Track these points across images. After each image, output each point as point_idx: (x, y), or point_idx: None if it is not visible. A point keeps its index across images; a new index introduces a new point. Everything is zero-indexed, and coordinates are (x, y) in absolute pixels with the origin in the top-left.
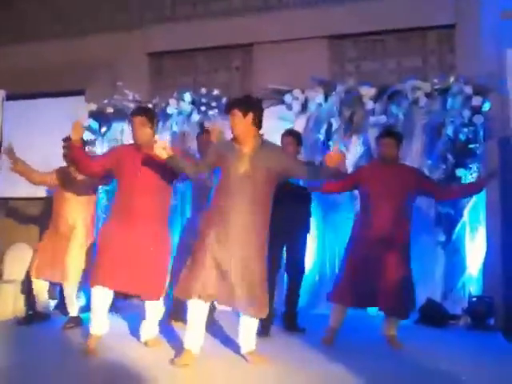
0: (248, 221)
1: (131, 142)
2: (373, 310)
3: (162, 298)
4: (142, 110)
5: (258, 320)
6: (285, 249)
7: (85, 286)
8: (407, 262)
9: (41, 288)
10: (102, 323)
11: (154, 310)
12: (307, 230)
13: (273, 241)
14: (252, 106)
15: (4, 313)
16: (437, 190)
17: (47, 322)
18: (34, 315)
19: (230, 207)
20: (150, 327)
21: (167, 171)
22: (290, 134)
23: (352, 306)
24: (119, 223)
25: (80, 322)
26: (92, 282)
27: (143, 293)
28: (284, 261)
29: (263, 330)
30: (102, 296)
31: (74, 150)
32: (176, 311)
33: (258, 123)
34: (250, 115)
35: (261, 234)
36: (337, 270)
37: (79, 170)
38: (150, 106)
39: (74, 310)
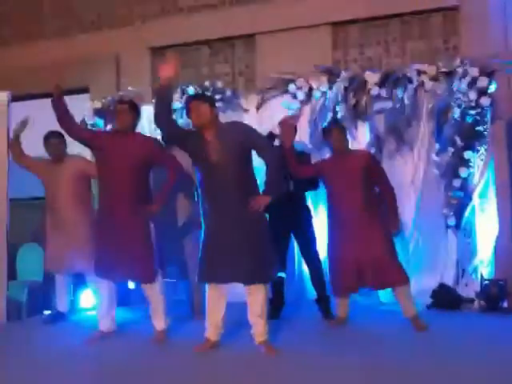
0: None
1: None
2: (385, 297)
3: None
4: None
5: (264, 304)
6: (295, 237)
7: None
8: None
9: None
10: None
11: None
12: (310, 214)
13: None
14: (206, 97)
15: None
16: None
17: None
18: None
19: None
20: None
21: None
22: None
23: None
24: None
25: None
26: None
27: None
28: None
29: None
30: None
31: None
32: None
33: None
34: (208, 104)
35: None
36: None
37: None
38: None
39: None
